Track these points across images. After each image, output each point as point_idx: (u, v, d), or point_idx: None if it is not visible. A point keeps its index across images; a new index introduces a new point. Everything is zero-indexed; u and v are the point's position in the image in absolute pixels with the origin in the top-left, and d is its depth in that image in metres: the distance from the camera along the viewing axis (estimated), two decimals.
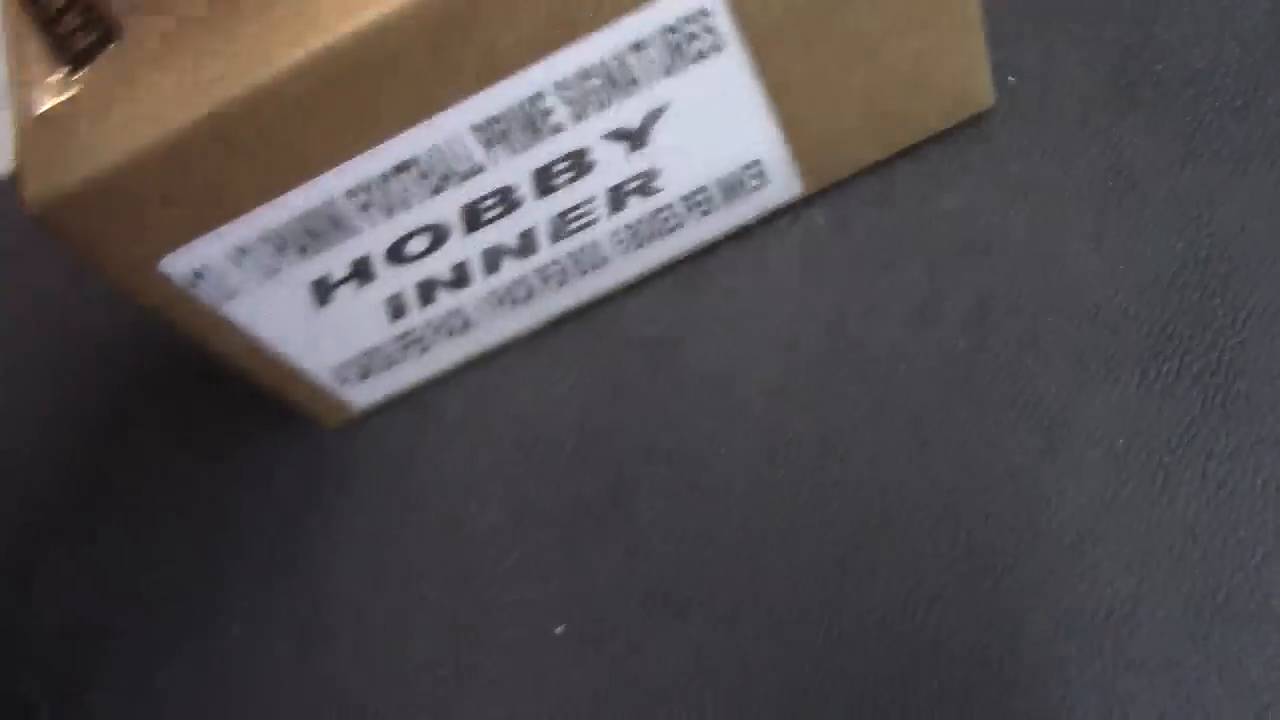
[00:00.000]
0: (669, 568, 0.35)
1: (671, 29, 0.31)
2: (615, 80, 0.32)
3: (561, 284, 0.38)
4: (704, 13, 0.31)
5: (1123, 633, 0.31)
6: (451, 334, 0.38)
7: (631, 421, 0.38)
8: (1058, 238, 0.35)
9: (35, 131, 0.31)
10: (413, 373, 0.39)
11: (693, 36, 0.31)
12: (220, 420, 0.42)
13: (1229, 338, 0.33)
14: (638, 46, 0.31)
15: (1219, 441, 0.32)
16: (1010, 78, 0.38)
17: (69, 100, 0.31)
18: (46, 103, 0.31)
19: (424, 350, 0.38)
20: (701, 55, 0.32)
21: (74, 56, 0.31)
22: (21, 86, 0.32)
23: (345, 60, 0.30)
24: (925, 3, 0.33)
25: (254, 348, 0.36)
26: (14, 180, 0.31)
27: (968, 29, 0.34)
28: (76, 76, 0.31)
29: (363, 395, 0.39)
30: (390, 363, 0.38)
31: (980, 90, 0.37)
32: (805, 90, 0.34)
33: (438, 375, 0.40)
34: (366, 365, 0.38)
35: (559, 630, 0.36)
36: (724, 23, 0.31)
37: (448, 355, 0.39)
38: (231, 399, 0.42)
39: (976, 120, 0.37)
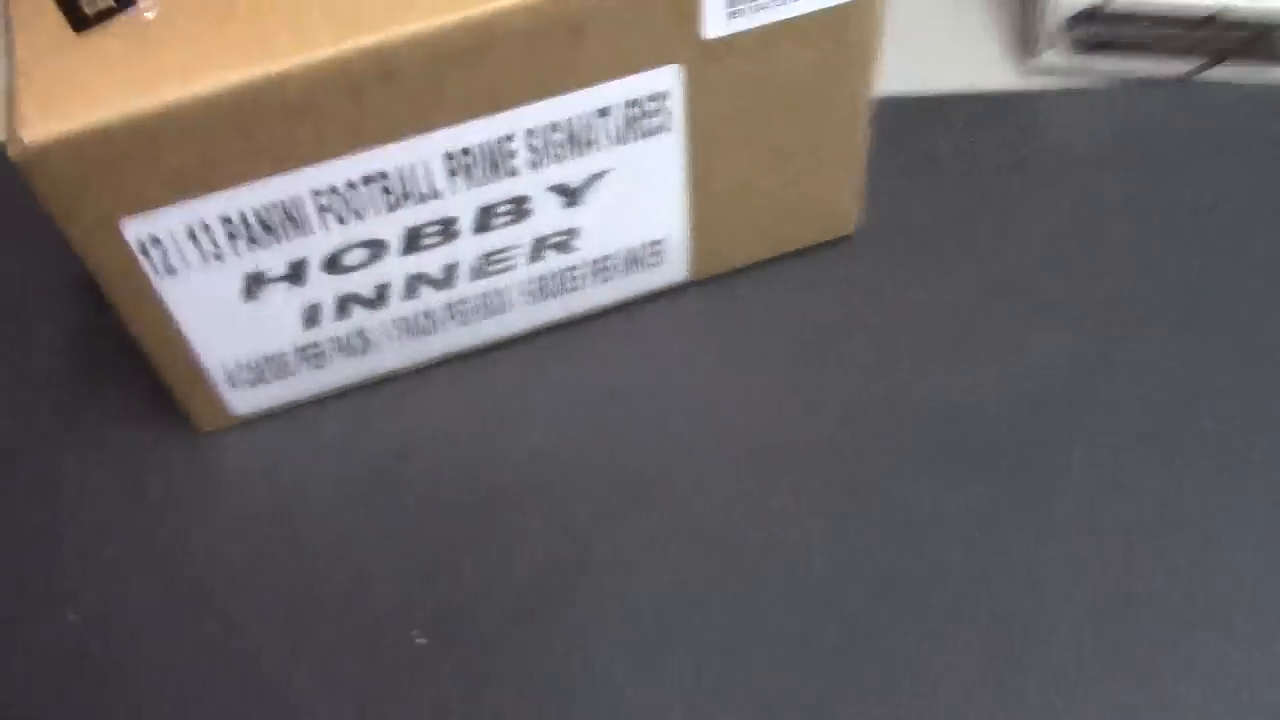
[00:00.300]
0: (531, 586, 0.38)
1: (634, 102, 0.36)
2: (576, 138, 0.36)
3: (464, 323, 0.41)
4: (665, 95, 0.36)
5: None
6: (350, 353, 0.40)
7: (500, 456, 0.41)
8: (899, 351, 0.42)
9: (36, 81, 0.32)
10: (301, 386, 0.41)
11: (650, 114, 0.36)
12: (88, 408, 0.42)
13: (1037, 451, 0.40)
14: (603, 112, 0.36)
15: (1027, 530, 0.38)
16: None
17: (73, 59, 0.33)
18: (49, 58, 0.33)
19: (319, 366, 0.41)
20: (650, 132, 0.37)
21: (85, 19, 0.33)
22: (21, 42, 0.33)
23: (348, 69, 0.33)
24: (831, 131, 0.39)
25: (166, 329, 0.37)
26: None
27: (855, 161, 0.41)
28: (82, 38, 0.33)
29: (246, 402, 0.41)
30: (284, 372, 0.40)
31: (849, 216, 0.43)
32: (719, 185, 0.40)
33: (322, 394, 0.42)
34: (262, 371, 0.40)
35: (420, 641, 0.38)
36: (677, 108, 0.36)
37: (340, 374, 0.41)
38: (105, 386, 0.42)
39: (836, 243, 0.44)
